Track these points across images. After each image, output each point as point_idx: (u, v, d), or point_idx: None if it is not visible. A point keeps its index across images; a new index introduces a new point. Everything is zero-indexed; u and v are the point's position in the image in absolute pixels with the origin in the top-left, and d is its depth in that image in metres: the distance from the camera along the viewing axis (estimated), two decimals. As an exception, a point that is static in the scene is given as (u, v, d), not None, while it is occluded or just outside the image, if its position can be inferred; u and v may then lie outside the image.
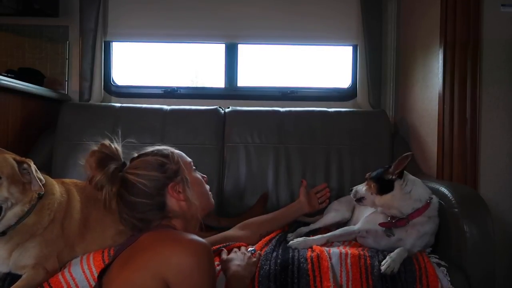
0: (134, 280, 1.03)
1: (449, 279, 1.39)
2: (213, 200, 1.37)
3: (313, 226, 1.87)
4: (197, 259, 1.03)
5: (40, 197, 1.46)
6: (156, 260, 1.03)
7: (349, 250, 1.50)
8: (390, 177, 1.56)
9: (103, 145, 1.22)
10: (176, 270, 1.02)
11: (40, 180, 1.42)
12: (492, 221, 1.48)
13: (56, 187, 1.53)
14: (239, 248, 1.51)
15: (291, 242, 1.60)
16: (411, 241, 1.54)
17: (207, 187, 1.36)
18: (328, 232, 1.78)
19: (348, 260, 1.43)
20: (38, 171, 1.44)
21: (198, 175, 1.34)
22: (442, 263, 1.46)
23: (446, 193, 1.60)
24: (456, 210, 1.52)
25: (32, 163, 1.43)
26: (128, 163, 1.24)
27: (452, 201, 1.55)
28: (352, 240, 1.69)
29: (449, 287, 1.38)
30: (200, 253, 1.05)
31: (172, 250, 1.04)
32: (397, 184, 1.56)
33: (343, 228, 1.69)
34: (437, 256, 1.52)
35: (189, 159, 1.33)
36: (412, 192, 1.57)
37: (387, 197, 1.55)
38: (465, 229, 1.46)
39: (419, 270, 1.41)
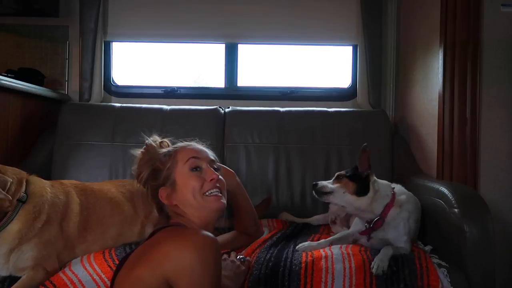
0: (143, 278, 1.00)
1: (449, 280, 1.39)
2: (221, 202, 1.20)
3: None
4: (199, 254, 0.97)
5: (24, 201, 1.43)
6: (158, 256, 1.00)
7: (351, 251, 1.49)
8: (365, 173, 1.57)
9: (148, 146, 1.26)
10: (176, 265, 0.97)
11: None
12: (492, 221, 1.48)
13: (47, 188, 1.52)
14: (228, 255, 1.42)
15: (298, 246, 1.56)
16: (392, 237, 1.56)
17: (214, 190, 1.19)
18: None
19: (352, 264, 1.41)
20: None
21: (196, 177, 1.18)
22: (443, 263, 1.46)
23: (446, 193, 1.60)
24: (456, 210, 1.52)
25: None
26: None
27: (452, 201, 1.55)
28: (350, 243, 1.66)
29: None
30: (203, 247, 0.99)
31: (173, 245, 1.01)
32: (371, 184, 1.57)
33: (341, 232, 1.70)
34: (436, 257, 1.52)
35: (190, 155, 1.21)
36: (380, 189, 1.58)
37: (363, 200, 1.55)
38: (465, 229, 1.46)
39: (420, 269, 1.41)
